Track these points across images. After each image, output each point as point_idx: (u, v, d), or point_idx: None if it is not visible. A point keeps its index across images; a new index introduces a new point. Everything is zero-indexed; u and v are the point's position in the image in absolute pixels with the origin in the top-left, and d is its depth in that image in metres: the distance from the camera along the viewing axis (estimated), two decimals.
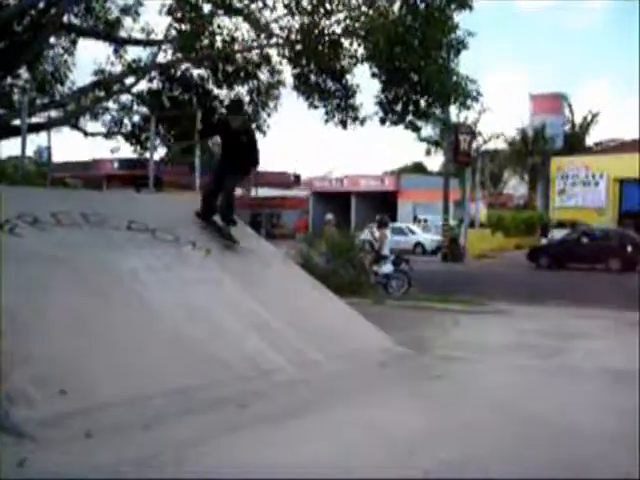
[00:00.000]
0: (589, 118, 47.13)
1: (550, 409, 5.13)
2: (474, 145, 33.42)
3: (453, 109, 22.45)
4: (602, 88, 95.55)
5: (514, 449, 4.23)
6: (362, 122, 13.69)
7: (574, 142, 45.68)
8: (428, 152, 42.64)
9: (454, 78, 12.88)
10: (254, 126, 15.02)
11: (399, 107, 13.14)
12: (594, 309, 11.33)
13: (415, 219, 38.56)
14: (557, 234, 28.40)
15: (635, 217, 30.99)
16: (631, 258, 22.72)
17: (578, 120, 47.37)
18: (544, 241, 28.30)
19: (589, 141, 48.07)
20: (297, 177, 45.14)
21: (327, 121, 13.71)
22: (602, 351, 7.62)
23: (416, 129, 14.35)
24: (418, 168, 55.75)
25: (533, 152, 44.81)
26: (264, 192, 38.46)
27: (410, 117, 13.38)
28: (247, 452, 4.01)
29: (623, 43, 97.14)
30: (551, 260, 23.70)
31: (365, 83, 13.30)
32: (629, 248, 22.85)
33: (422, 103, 13.13)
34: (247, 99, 14.42)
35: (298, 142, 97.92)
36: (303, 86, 13.38)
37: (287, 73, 14.00)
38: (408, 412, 4.99)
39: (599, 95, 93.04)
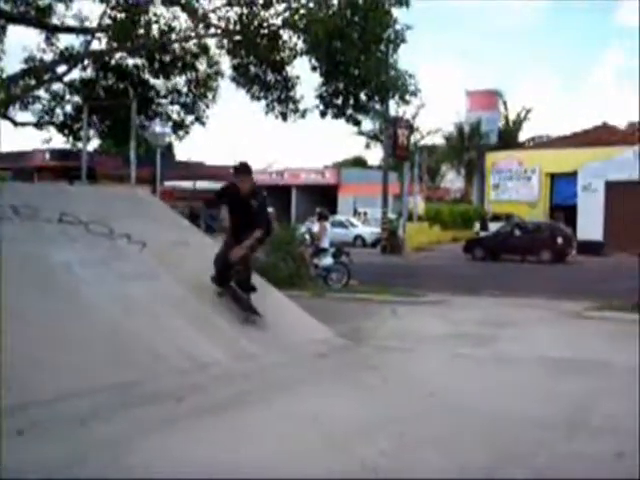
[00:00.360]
0: (522, 114, 48.64)
1: (486, 397, 5.27)
2: (412, 139, 33.93)
3: (392, 103, 22.84)
4: (535, 86, 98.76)
5: (450, 437, 4.33)
6: (303, 114, 13.68)
7: (508, 138, 47.04)
8: (367, 146, 43.11)
9: (393, 72, 13.03)
10: (193, 117, 14.85)
11: (339, 101, 13.20)
12: (527, 299, 11.72)
13: (355, 212, 38.93)
14: (492, 227, 29.22)
15: (565, 210, 32.25)
16: (561, 250, 23.63)
17: (512, 116, 48.84)
18: (483, 234, 29.07)
19: (522, 137, 49.66)
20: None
21: (267, 113, 13.64)
22: (536, 339, 7.88)
23: (356, 123, 14.45)
24: (358, 162, 56.19)
25: (469, 147, 45.92)
26: (203, 185, 37.93)
27: (350, 111, 13.45)
28: (184, 446, 3.96)
29: (556, 43, 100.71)
30: (486, 252, 24.38)
31: (306, 75, 13.30)
32: (559, 240, 23.76)
33: (362, 97, 13.23)
34: (185, 90, 14.22)
35: (238, 134, 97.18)
36: (242, 77, 13.26)
37: (226, 64, 13.87)
38: (347, 403, 5.04)
39: (532, 92, 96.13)
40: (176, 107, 14.83)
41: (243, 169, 6.90)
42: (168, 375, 5.21)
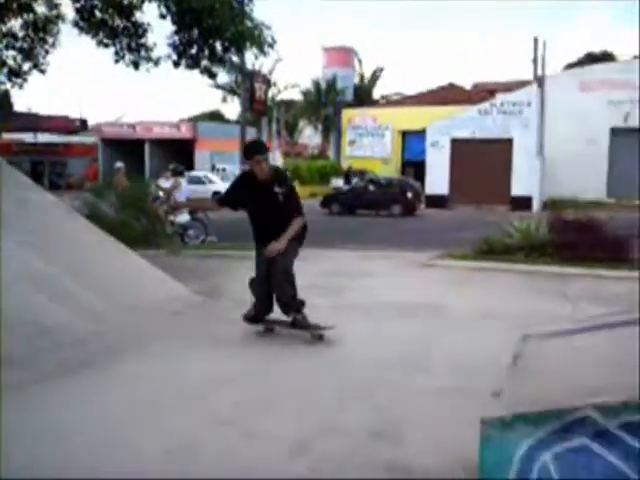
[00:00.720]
0: (377, 73, 49.98)
1: (336, 343, 5.50)
2: (270, 94, 33.81)
3: (249, 56, 22.48)
4: (388, 45, 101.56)
5: (301, 383, 4.49)
6: (156, 63, 13.04)
7: (363, 95, 48.23)
8: (224, 99, 42.35)
9: (249, 23, 12.75)
10: (31, 64, 13.66)
11: (194, 50, 12.74)
12: (378, 251, 12.27)
13: (213, 168, 38.28)
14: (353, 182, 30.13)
15: (415, 166, 33.92)
16: (411, 203, 24.93)
17: (367, 74, 50.04)
18: (346, 187, 29.88)
19: (376, 94, 51.15)
20: (83, 122, 41.77)
21: (117, 61, 12.86)
22: (384, 287, 8.29)
23: (212, 75, 14.04)
24: (215, 116, 55.05)
25: (326, 103, 46.53)
26: (45, 138, 35.39)
27: (205, 62, 13.04)
28: (19, 415, 3.77)
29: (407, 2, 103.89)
30: (342, 207, 25.14)
31: (159, 23, 12.63)
32: (409, 195, 25.02)
33: (218, 48, 12.85)
34: (21, 34, 13.01)
35: (84, 84, 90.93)
36: (86, 22, 12.35)
37: (68, 7, 12.81)
38: (201, 357, 5.03)
39: (385, 51, 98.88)
40: (11, 52, 13.55)
41: (255, 148, 5.27)
42: (8, 341, 4.88)
